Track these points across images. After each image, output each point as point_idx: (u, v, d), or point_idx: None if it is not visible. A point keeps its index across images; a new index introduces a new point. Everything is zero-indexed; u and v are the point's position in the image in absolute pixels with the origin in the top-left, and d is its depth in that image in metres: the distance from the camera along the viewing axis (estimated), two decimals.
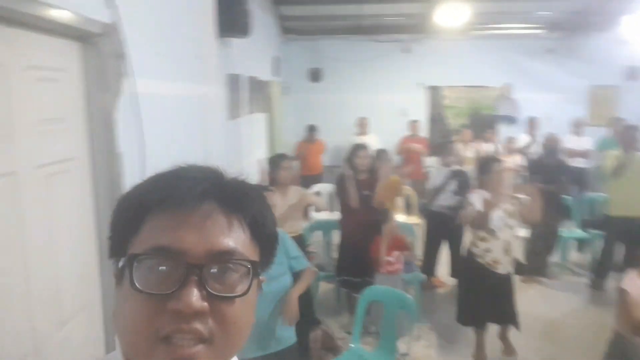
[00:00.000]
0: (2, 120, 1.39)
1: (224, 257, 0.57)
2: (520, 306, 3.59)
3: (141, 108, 2.15)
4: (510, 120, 7.83)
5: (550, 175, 5.03)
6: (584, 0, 6.51)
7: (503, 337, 3.66)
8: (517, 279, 3.67)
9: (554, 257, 5.23)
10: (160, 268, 0.55)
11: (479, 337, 3.59)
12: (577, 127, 6.83)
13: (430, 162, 6.64)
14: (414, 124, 7.22)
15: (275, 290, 2.48)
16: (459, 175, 4.74)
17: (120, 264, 0.59)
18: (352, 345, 2.91)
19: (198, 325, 0.54)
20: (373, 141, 7.14)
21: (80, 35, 1.80)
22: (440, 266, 4.90)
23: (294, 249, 2.60)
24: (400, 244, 3.72)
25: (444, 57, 7.85)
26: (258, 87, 5.42)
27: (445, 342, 3.88)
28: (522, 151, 6.48)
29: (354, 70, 7.98)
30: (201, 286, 0.55)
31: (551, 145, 5.33)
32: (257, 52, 5.50)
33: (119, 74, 1.99)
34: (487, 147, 6.87)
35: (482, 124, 7.78)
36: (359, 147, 3.88)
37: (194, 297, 0.54)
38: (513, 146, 6.65)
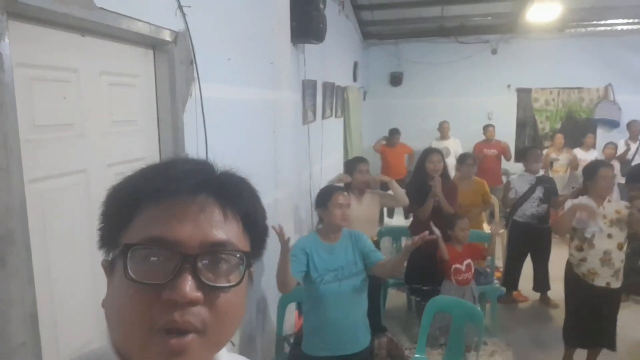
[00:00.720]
0: (76, 121, 1.52)
1: (218, 248, 0.57)
2: (615, 328, 3.28)
3: (211, 112, 2.25)
4: (612, 124, 7.15)
5: None
6: None
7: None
8: None
9: None
10: (153, 258, 0.56)
11: (567, 354, 3.35)
12: None
13: (516, 168, 6.27)
14: (487, 128, 6.80)
15: (350, 290, 2.46)
16: (545, 182, 4.42)
17: (112, 255, 0.60)
18: (417, 356, 2.81)
19: (191, 316, 0.54)
20: (454, 145, 6.92)
21: (152, 43, 1.92)
22: (523, 279, 4.59)
23: (369, 244, 2.57)
24: (475, 253, 3.54)
25: (534, 57, 7.38)
26: (334, 92, 5.45)
27: (527, 359, 3.63)
28: (621, 158, 5.90)
29: (436, 73, 7.76)
30: (195, 276, 0.55)
31: None
32: (335, 57, 5.55)
33: (188, 80, 2.10)
34: (585, 154, 6.34)
35: (577, 128, 7.19)
36: (430, 152, 3.75)
37: (189, 286, 0.54)
38: (612, 153, 6.07)
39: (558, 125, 7.42)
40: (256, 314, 3.07)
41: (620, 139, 6.47)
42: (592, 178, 3.20)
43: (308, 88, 4.27)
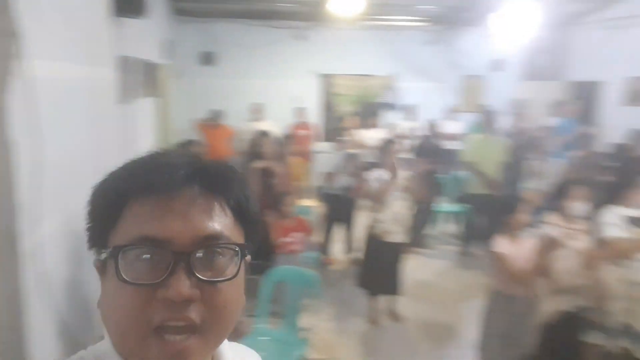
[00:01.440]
0: None
1: (211, 242, 0.57)
2: (403, 275, 4.06)
3: (36, 92, 2.02)
4: (392, 107, 8.39)
5: (430, 156, 5.59)
6: None
7: (390, 305, 4.07)
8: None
9: (432, 230, 5.83)
10: (145, 256, 0.55)
11: (372, 303, 4.02)
12: (451, 113, 7.60)
13: (324, 147, 6.93)
14: (300, 111, 7.45)
15: None
16: (352, 159, 5.06)
17: (103, 255, 0.58)
18: (259, 326, 3.02)
19: (189, 314, 0.54)
20: (269, 127, 7.24)
21: None
22: (336, 244, 5.20)
23: None
24: (302, 227, 3.91)
25: (335, 45, 8.11)
26: (150, 70, 5.20)
27: (343, 314, 4.18)
28: (404, 136, 7.01)
29: (249, 55, 7.94)
30: (190, 273, 0.54)
31: (432, 130, 5.89)
32: (149, 33, 5.26)
33: (10, 55, 1.85)
34: (372, 133, 7.32)
35: (368, 111, 8.22)
36: (262, 135, 3.94)
37: (184, 284, 0.53)
38: (395, 132, 7.17)
39: (355, 108, 8.38)
40: (81, 314, 2.79)
41: (400, 120, 7.62)
42: (384, 154, 3.86)
43: (125, 65, 4.01)
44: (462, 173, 6.47)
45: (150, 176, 0.57)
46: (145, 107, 5.19)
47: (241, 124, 7.06)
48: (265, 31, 7.94)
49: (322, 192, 5.20)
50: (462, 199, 5.98)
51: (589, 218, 3.21)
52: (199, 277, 0.54)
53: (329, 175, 4.99)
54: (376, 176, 3.95)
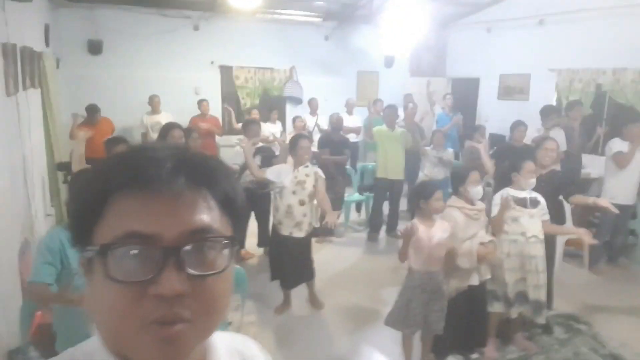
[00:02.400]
0: None
1: (200, 235, 0.56)
2: (318, 264, 4.19)
3: None
4: (296, 101, 8.49)
5: (336, 149, 5.78)
6: None
7: (310, 293, 4.17)
8: (312, 241, 4.23)
9: (342, 219, 6.06)
10: (134, 252, 0.54)
11: (285, 294, 4.14)
12: (349, 107, 7.89)
13: (226, 140, 6.80)
14: (202, 103, 7.24)
15: None
16: (263, 151, 5.04)
17: (90, 253, 0.56)
18: None
19: (181, 309, 0.54)
20: (167, 120, 6.91)
21: None
22: (248, 238, 5.17)
23: None
24: None
25: (234, 37, 7.95)
26: (35, 59, 4.67)
27: (262, 307, 4.20)
28: (307, 129, 7.15)
29: (140, 45, 7.45)
30: (180, 268, 0.54)
31: (336, 124, 6.09)
32: (31, 18, 4.72)
33: None
34: (272, 127, 7.35)
35: (271, 104, 8.22)
36: (172, 127, 3.73)
37: (175, 279, 0.53)
38: (301, 125, 7.29)
39: (257, 101, 8.30)
40: None
41: (303, 113, 7.74)
42: (293, 148, 3.91)
43: (8, 52, 3.57)
44: (365, 164, 6.82)
45: (136, 170, 0.56)
46: (31, 100, 4.67)
47: (133, 117, 6.66)
48: (157, 19, 7.52)
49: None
50: (366, 188, 6.29)
51: (484, 200, 3.59)
52: (190, 272, 0.54)
53: (241, 169, 4.91)
54: (276, 170, 3.97)
